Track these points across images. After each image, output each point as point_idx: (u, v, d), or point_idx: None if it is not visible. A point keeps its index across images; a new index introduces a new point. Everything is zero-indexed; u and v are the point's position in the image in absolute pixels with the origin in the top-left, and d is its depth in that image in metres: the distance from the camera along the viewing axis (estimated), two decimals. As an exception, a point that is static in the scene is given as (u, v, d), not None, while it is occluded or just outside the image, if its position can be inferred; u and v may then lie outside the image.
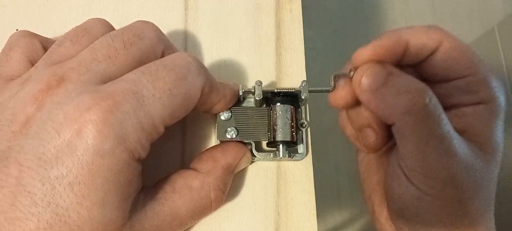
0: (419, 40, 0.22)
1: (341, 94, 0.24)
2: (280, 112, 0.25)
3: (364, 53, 0.22)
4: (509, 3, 1.17)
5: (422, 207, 0.21)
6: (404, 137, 0.21)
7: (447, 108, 0.22)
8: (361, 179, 0.27)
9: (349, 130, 0.26)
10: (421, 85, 0.21)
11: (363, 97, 0.22)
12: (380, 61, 0.22)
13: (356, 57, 0.22)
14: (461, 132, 0.22)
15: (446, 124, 0.21)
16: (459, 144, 0.21)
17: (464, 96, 0.23)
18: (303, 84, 0.25)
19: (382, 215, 0.24)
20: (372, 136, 0.24)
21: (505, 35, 1.07)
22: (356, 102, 0.24)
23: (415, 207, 0.21)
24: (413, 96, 0.20)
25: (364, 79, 0.21)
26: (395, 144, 0.24)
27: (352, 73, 0.23)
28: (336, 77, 0.24)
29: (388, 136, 0.24)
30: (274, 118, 0.25)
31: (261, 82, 0.25)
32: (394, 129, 0.21)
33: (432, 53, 0.22)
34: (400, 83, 0.21)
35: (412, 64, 0.23)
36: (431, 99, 0.21)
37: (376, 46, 0.22)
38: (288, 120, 0.25)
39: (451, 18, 1.15)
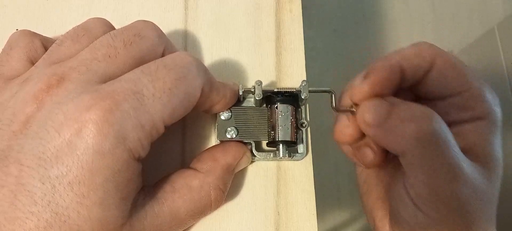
0: (412, 64, 0.22)
1: (347, 132, 0.23)
2: (280, 112, 0.25)
3: (362, 90, 0.22)
4: (509, 3, 1.17)
5: None
6: (412, 165, 0.20)
7: (447, 126, 0.21)
8: (361, 192, 0.26)
9: (346, 148, 0.26)
10: (426, 110, 0.21)
11: (370, 133, 0.22)
12: (379, 95, 0.22)
13: (355, 94, 0.22)
14: (464, 151, 0.21)
15: (454, 145, 0.20)
16: (467, 166, 0.20)
17: (461, 113, 0.22)
18: (303, 84, 0.25)
19: (384, 230, 0.24)
20: (370, 155, 0.24)
21: (505, 35, 1.07)
22: (362, 136, 0.24)
23: None
24: (419, 123, 0.20)
25: (367, 116, 0.21)
26: (394, 158, 0.24)
27: (353, 109, 0.23)
28: (339, 100, 0.24)
29: (386, 153, 0.24)
30: (274, 117, 0.25)
31: (261, 82, 0.25)
32: (402, 158, 0.21)
33: (426, 73, 0.22)
34: (404, 112, 0.21)
35: (408, 87, 0.23)
36: (438, 122, 0.20)
37: (372, 82, 0.22)
38: (288, 119, 0.25)
39: (451, 18, 1.15)
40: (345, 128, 0.23)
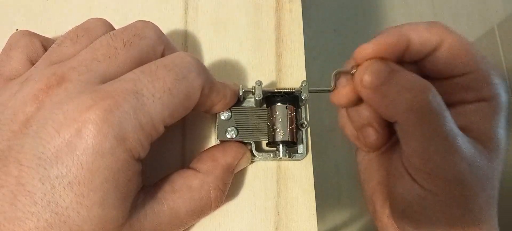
0: (421, 37, 0.22)
1: (342, 92, 0.23)
2: (280, 112, 0.25)
3: (366, 50, 0.22)
4: (509, 3, 1.17)
5: (426, 206, 0.21)
6: (407, 135, 0.21)
7: (449, 105, 0.22)
8: (361, 179, 0.27)
9: (349, 129, 0.26)
10: (424, 82, 0.21)
11: (365, 95, 0.22)
12: (382, 59, 0.22)
13: (358, 54, 0.22)
14: (463, 129, 0.21)
15: (450, 121, 0.21)
16: (463, 141, 0.21)
17: (465, 94, 0.23)
18: (303, 84, 0.25)
19: (384, 215, 0.24)
20: (373, 135, 0.24)
21: (505, 35, 1.07)
22: (358, 100, 0.24)
23: (419, 206, 0.21)
24: (416, 94, 0.20)
25: (366, 77, 0.21)
26: (396, 143, 0.24)
27: (354, 70, 0.23)
28: (338, 76, 0.24)
29: (389, 134, 0.24)
30: (274, 117, 0.25)
31: (261, 82, 0.25)
32: (397, 127, 0.21)
33: (434, 50, 0.22)
34: (403, 80, 0.21)
35: (413, 61, 0.23)
36: (434, 96, 0.20)
37: (378, 43, 0.22)
38: (288, 120, 0.25)
39: (451, 18, 1.15)
40: (342, 88, 0.23)
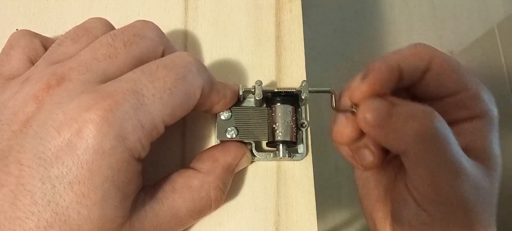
0: (410, 64, 0.22)
1: (346, 133, 0.23)
2: (280, 112, 0.25)
3: (361, 90, 0.22)
4: (509, 3, 1.17)
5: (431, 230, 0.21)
6: (415, 163, 0.20)
7: None
8: (359, 195, 0.26)
9: (344, 150, 0.25)
10: (426, 108, 0.21)
11: (371, 132, 0.22)
12: (378, 95, 0.22)
13: (354, 94, 0.22)
14: (464, 150, 0.21)
15: (456, 144, 0.20)
16: (468, 165, 0.21)
17: (458, 112, 0.23)
18: (303, 84, 0.25)
19: None
20: (369, 157, 0.24)
21: (505, 35, 1.07)
22: (361, 136, 0.23)
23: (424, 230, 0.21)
24: (421, 122, 0.20)
25: (368, 115, 0.21)
26: (393, 160, 0.24)
27: (353, 109, 0.23)
28: (338, 100, 0.24)
29: (385, 154, 0.24)
30: (274, 117, 0.25)
31: (261, 82, 0.25)
32: (403, 157, 0.21)
33: (424, 73, 0.22)
34: (405, 110, 0.21)
35: (405, 88, 0.23)
36: (439, 121, 0.20)
37: (372, 82, 0.22)
38: (288, 119, 0.25)
39: (451, 18, 1.15)
40: (343, 128, 0.23)
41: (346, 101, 0.23)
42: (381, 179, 0.25)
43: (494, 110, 0.23)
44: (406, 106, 0.21)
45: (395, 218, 0.23)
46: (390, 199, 0.23)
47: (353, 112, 0.23)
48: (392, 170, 0.24)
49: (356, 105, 0.22)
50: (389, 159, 0.24)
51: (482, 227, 0.21)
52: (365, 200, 0.25)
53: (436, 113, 0.21)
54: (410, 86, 0.23)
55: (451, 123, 0.22)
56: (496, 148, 0.22)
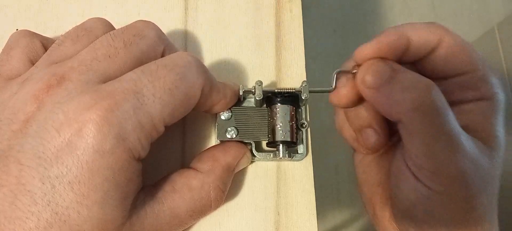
0: (420, 37, 0.22)
1: (343, 93, 0.23)
2: (280, 112, 0.25)
3: (366, 50, 0.22)
4: (509, 3, 1.17)
5: (430, 205, 0.21)
6: (411, 134, 0.21)
7: (449, 105, 0.22)
8: (359, 181, 0.26)
9: (347, 132, 0.25)
10: (427, 80, 0.21)
11: (368, 95, 0.22)
12: (383, 58, 0.22)
13: (358, 54, 0.22)
14: (465, 128, 0.21)
15: (453, 119, 0.20)
16: (466, 140, 0.21)
17: (465, 93, 0.23)
18: (303, 85, 0.25)
19: (385, 217, 0.24)
20: (373, 136, 0.24)
21: (505, 35, 1.07)
22: (358, 101, 0.23)
23: (423, 205, 0.21)
24: (419, 92, 0.20)
25: (368, 77, 0.21)
26: (395, 144, 0.24)
27: (355, 70, 0.23)
28: (338, 76, 0.24)
29: (388, 135, 0.24)
30: (274, 118, 0.25)
31: (261, 83, 0.25)
32: (400, 127, 0.21)
33: (433, 50, 0.22)
34: (406, 79, 0.21)
35: (412, 62, 0.23)
36: (437, 94, 0.20)
37: (379, 43, 0.22)
38: (288, 120, 0.25)
39: (451, 18, 1.15)
40: (342, 89, 0.23)
41: (350, 65, 0.23)
42: (382, 164, 0.25)
43: (501, 94, 0.23)
44: (407, 75, 0.21)
45: (394, 196, 0.22)
46: (390, 178, 0.23)
47: (354, 74, 0.22)
48: (394, 155, 0.24)
49: (358, 66, 0.22)
50: (391, 145, 0.24)
51: (482, 206, 0.21)
52: (365, 186, 0.25)
53: (436, 86, 0.21)
54: (416, 61, 0.23)
55: (455, 103, 0.22)
56: (499, 129, 0.22)
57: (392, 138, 0.25)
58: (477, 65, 0.22)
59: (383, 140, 0.24)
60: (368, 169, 0.26)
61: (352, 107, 0.24)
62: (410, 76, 0.21)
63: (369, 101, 0.22)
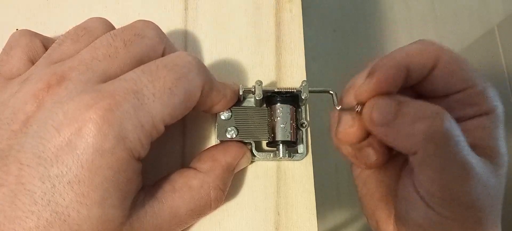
0: (417, 62, 0.22)
1: (352, 132, 0.23)
2: (280, 112, 0.25)
3: (368, 88, 0.21)
4: (509, 3, 1.17)
5: (441, 230, 0.21)
6: (424, 164, 0.20)
7: None
8: (360, 194, 0.26)
9: (346, 149, 0.25)
10: (435, 108, 0.20)
11: (378, 132, 0.21)
12: (385, 94, 0.21)
13: (360, 93, 0.22)
14: (471, 147, 0.21)
15: (465, 144, 0.20)
16: (477, 164, 0.20)
17: (466, 109, 0.22)
18: (303, 84, 0.25)
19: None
20: (373, 156, 0.23)
21: (505, 35, 1.07)
22: (366, 136, 0.23)
23: (434, 230, 0.21)
24: (431, 121, 0.20)
25: (375, 115, 0.21)
26: (395, 157, 0.24)
27: (358, 108, 0.22)
28: (340, 99, 0.24)
29: (388, 153, 0.24)
30: (274, 117, 0.25)
31: (261, 82, 0.25)
32: (412, 157, 0.21)
33: (431, 70, 0.22)
34: (414, 110, 0.20)
35: (411, 85, 0.23)
36: (449, 120, 0.20)
37: (378, 80, 0.21)
38: (288, 119, 0.25)
39: (451, 18, 1.15)
40: (349, 128, 0.23)
41: (349, 100, 0.23)
42: (383, 178, 0.24)
43: (500, 107, 0.22)
44: (415, 105, 0.21)
45: (401, 218, 0.22)
46: (394, 199, 0.23)
47: (358, 112, 0.22)
48: (394, 169, 0.24)
49: (361, 104, 0.22)
50: (391, 158, 0.24)
51: (490, 225, 0.21)
52: (367, 199, 0.25)
53: (446, 112, 0.20)
54: (416, 84, 0.23)
55: (457, 120, 0.22)
56: (502, 144, 0.22)
57: (391, 152, 0.24)
58: (475, 80, 0.22)
59: (383, 158, 0.23)
60: (368, 182, 0.25)
61: (360, 142, 0.24)
62: (417, 106, 0.20)
63: (381, 138, 0.22)
